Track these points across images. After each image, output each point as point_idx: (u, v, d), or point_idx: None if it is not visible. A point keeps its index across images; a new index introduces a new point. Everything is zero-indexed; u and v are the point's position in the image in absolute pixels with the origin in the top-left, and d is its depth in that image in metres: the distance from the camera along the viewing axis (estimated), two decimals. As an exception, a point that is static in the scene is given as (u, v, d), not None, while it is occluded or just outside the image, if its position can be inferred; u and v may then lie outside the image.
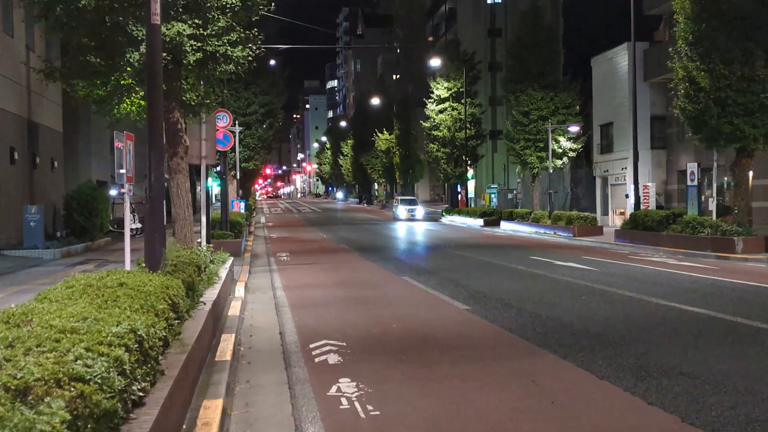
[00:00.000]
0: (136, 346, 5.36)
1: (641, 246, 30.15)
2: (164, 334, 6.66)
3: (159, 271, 9.93)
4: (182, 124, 16.07)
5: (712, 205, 30.12)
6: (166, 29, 14.29)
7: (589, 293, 16.50)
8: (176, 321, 7.83)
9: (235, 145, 38.12)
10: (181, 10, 14.77)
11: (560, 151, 46.82)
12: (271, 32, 47.84)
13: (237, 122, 39.30)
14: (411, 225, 52.77)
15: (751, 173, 29.94)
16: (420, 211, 61.76)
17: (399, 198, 65.41)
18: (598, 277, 19.49)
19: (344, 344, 11.07)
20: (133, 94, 15.86)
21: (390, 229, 48.44)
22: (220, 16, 15.35)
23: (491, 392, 8.30)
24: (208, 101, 16.57)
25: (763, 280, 18.79)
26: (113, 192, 36.64)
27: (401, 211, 61.38)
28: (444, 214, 60.74)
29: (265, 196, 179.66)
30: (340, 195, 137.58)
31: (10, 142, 27.18)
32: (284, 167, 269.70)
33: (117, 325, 5.43)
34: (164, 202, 11.09)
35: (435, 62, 60.91)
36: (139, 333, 5.53)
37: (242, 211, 39.23)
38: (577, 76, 50.37)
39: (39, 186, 30.25)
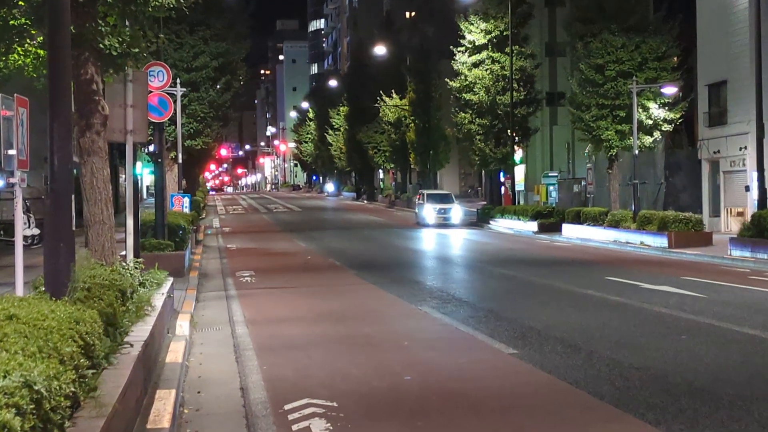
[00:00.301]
0: (32, 406, 5.34)
1: (768, 261, 30.12)
2: (73, 389, 6.64)
3: (65, 297, 9.91)
4: (99, 83, 16.06)
5: None
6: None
7: (691, 330, 16.43)
8: (90, 371, 7.81)
9: (175, 114, 38.14)
10: None
11: (650, 122, 46.70)
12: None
13: (179, 81, 39.32)
14: (440, 233, 52.40)
15: None
16: (457, 212, 60.01)
17: (426, 193, 63.49)
18: (705, 307, 19.40)
19: (335, 404, 11.05)
20: (28, 40, 15.85)
21: (404, 237, 48.42)
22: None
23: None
24: (136, 50, 16.52)
25: None
26: (-1, 183, 36.68)
27: (428, 212, 59.44)
28: (483, 214, 60.62)
29: (213, 191, 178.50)
30: (330, 187, 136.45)
31: None
32: (247, 146, 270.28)
33: (4, 377, 5.42)
34: (73, 197, 11.08)
35: (467, -7, 60.77)
36: (36, 388, 5.51)
37: (186, 210, 39.22)
38: (675, 14, 50.24)
39: None
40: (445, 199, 61.24)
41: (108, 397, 7.65)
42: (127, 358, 9.74)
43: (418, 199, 63.96)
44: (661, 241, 38.13)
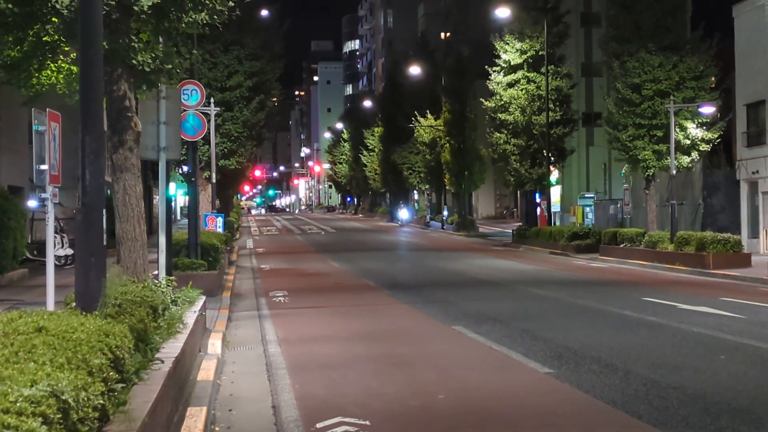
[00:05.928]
0: (59, 416, 5.33)
1: (809, 283, 29.83)
2: (101, 401, 6.63)
3: (96, 312, 9.92)
4: (132, 99, 16.11)
5: None
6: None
7: (730, 351, 16.33)
8: (120, 385, 7.80)
9: (209, 133, 38.28)
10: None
11: (688, 142, 46.46)
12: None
13: (213, 100, 39.47)
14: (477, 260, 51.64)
15: None
16: None
17: None
18: (744, 328, 19.28)
19: (367, 423, 11.04)
20: (61, 57, 15.91)
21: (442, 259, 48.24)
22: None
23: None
24: (169, 67, 16.58)
25: None
26: (33, 203, 36.81)
27: None
28: (519, 236, 60.47)
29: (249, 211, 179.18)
30: (404, 214, 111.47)
31: None
32: (282, 167, 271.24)
33: (31, 386, 5.41)
34: (104, 212, 11.09)
35: (503, 13, 60.75)
36: (63, 398, 5.49)
37: (220, 230, 39.35)
38: (712, 33, 50.01)
39: None
40: None
41: (138, 412, 7.64)
42: (157, 374, 9.74)
43: None
44: (699, 263, 37.88)
